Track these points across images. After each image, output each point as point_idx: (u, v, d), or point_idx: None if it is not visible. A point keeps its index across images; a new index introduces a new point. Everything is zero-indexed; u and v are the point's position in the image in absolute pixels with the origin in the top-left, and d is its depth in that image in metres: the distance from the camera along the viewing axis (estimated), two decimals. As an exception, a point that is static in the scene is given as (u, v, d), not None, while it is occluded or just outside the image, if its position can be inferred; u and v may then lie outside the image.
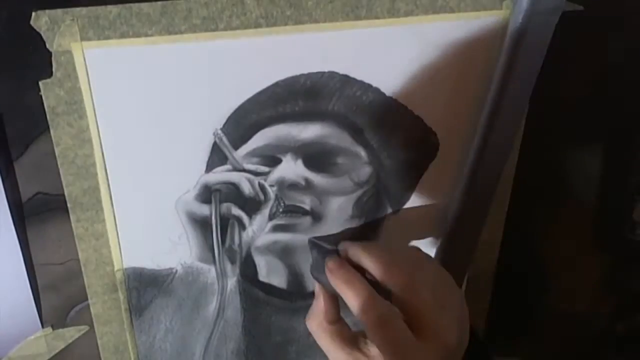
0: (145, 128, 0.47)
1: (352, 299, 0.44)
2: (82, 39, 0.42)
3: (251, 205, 0.51)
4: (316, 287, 0.48)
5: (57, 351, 0.54)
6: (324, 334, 0.46)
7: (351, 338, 0.45)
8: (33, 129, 0.45)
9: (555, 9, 0.45)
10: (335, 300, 0.47)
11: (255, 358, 0.59)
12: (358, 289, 0.44)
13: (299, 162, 0.50)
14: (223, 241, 0.52)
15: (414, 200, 0.54)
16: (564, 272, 0.62)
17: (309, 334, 0.59)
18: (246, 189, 0.50)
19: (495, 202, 0.55)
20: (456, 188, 0.53)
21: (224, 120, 0.47)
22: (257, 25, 0.44)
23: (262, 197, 0.51)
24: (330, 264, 0.47)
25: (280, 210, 0.51)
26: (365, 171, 0.51)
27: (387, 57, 0.47)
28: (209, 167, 0.49)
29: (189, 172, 0.49)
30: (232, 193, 0.50)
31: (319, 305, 0.47)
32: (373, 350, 0.43)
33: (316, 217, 0.52)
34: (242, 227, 0.52)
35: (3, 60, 0.42)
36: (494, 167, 0.52)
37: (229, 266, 0.53)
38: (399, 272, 0.44)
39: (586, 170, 0.56)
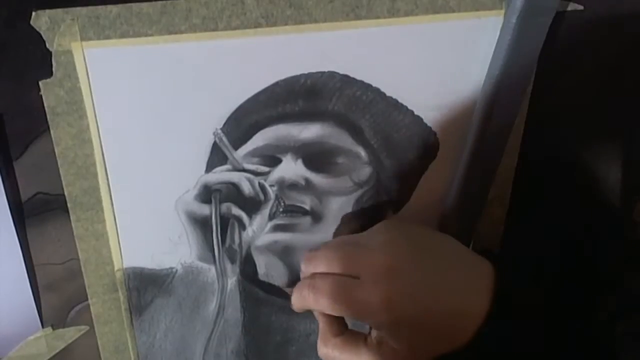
0: (145, 128, 0.47)
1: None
2: (82, 38, 0.42)
3: (251, 205, 0.51)
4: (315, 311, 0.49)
5: (57, 351, 0.54)
6: (334, 349, 0.46)
7: (358, 340, 0.45)
8: (33, 129, 0.45)
9: (549, 9, 0.45)
10: (332, 316, 0.47)
11: (255, 358, 0.59)
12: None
13: (299, 162, 0.50)
14: (223, 241, 0.52)
15: (414, 201, 0.54)
16: (564, 272, 0.62)
17: (309, 334, 0.59)
18: (246, 188, 0.50)
19: (494, 201, 0.55)
20: (450, 191, 0.53)
21: (224, 120, 0.47)
22: (257, 25, 0.44)
23: (262, 197, 0.51)
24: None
25: (280, 210, 0.51)
26: (365, 171, 0.51)
27: (387, 57, 0.47)
28: (209, 167, 0.49)
29: (189, 172, 0.49)
30: (232, 193, 0.50)
31: (320, 325, 0.48)
32: (375, 336, 0.43)
33: (316, 217, 0.52)
34: (242, 226, 0.52)
35: (3, 60, 0.42)
36: (487, 169, 0.52)
37: (229, 266, 0.53)
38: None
39: (586, 171, 0.56)
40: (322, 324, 0.48)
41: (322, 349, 0.47)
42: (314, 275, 0.46)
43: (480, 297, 0.43)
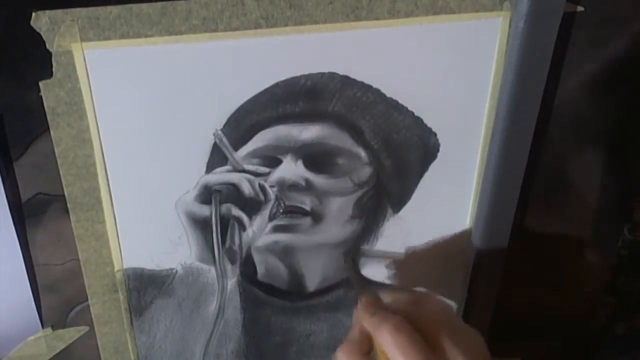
0: (145, 128, 0.47)
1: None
2: (82, 39, 0.42)
3: (251, 206, 0.51)
4: (354, 317, 0.47)
5: (56, 352, 0.54)
6: None
7: None
8: (33, 129, 0.45)
9: (554, 12, 0.45)
10: (367, 334, 0.45)
11: (255, 358, 0.59)
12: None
13: (299, 163, 0.50)
14: (223, 242, 0.52)
15: (415, 201, 0.54)
16: (564, 272, 0.62)
17: (309, 335, 0.59)
18: (246, 189, 0.50)
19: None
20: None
21: (224, 121, 0.47)
22: (257, 26, 0.44)
23: (262, 197, 0.51)
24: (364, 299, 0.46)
25: (281, 210, 0.51)
26: (366, 172, 0.51)
27: (388, 58, 0.47)
28: (209, 167, 0.49)
29: (189, 172, 0.49)
30: (232, 194, 0.50)
31: (354, 334, 0.46)
32: None
33: (316, 217, 0.52)
34: (242, 227, 0.52)
35: (3, 60, 0.42)
36: (514, 171, 0.52)
37: (229, 266, 0.53)
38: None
39: (587, 171, 0.56)
40: (355, 336, 0.45)
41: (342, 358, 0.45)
42: (399, 318, 0.43)
43: None
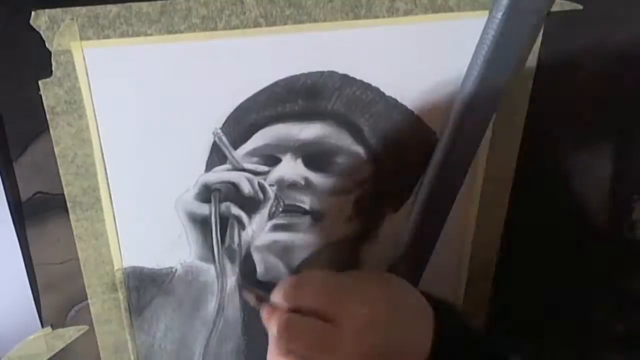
0: (145, 127, 0.47)
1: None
2: (82, 38, 0.42)
3: (251, 205, 0.51)
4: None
5: (56, 351, 0.54)
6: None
7: None
8: (33, 128, 0.45)
9: (537, 10, 0.45)
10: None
11: (254, 357, 0.59)
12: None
13: (299, 162, 0.50)
14: (223, 240, 0.52)
15: (414, 201, 0.54)
16: (564, 272, 0.62)
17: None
18: (246, 188, 0.50)
19: (494, 202, 0.55)
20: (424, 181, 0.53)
21: (223, 120, 0.47)
22: (257, 25, 0.44)
23: (261, 196, 0.51)
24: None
25: (280, 209, 0.51)
26: (365, 171, 0.51)
27: (387, 56, 0.47)
28: (209, 166, 0.49)
29: (189, 171, 0.49)
30: (232, 192, 0.50)
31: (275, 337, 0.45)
32: None
33: (315, 216, 0.52)
34: (242, 226, 0.52)
35: (3, 60, 0.42)
36: (460, 167, 0.52)
37: (228, 265, 0.53)
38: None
39: (586, 170, 0.56)
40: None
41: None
42: (292, 312, 0.44)
43: (425, 340, 0.43)
